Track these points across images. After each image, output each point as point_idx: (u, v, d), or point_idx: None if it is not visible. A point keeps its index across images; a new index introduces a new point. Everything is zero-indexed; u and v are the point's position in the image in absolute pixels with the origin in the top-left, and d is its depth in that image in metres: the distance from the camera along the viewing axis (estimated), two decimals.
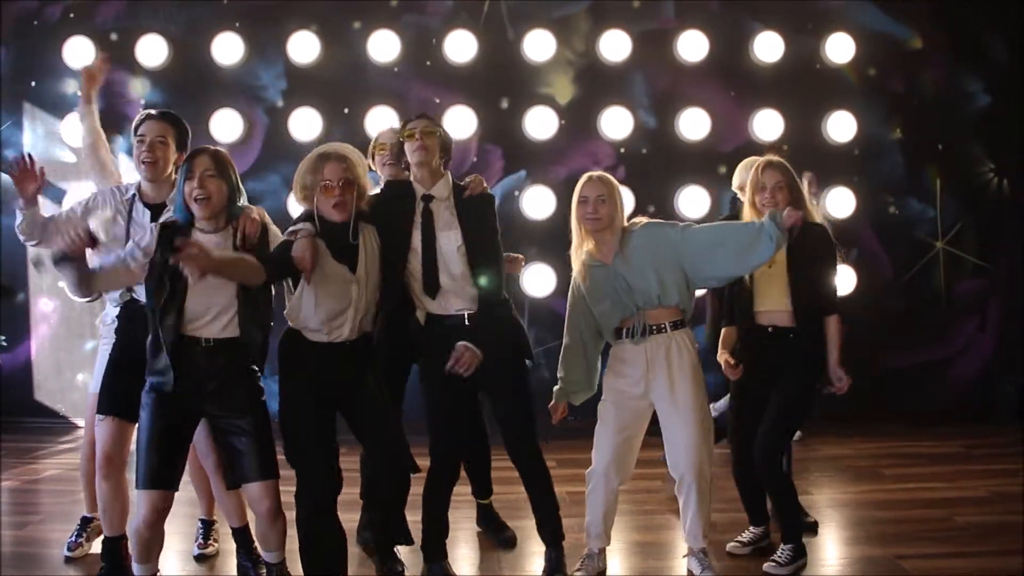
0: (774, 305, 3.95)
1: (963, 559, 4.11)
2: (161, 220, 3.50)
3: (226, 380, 3.35)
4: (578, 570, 3.92)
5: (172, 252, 3.13)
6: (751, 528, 4.24)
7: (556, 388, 3.90)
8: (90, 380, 4.24)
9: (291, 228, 3.50)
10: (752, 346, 4.02)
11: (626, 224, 3.85)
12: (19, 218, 3.75)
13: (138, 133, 3.77)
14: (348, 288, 3.48)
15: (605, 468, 3.82)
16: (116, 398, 3.68)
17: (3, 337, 6.74)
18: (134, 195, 3.81)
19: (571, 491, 4.92)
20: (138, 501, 3.34)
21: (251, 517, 3.91)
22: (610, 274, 3.78)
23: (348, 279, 3.49)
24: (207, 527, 4.22)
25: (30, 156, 3.74)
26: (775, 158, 4.06)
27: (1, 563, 4.04)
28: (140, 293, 3.60)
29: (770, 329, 3.96)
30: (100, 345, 4.03)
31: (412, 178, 3.75)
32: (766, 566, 3.92)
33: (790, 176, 3.96)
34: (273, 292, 3.55)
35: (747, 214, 4.02)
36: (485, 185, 3.83)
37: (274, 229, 3.57)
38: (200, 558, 4.13)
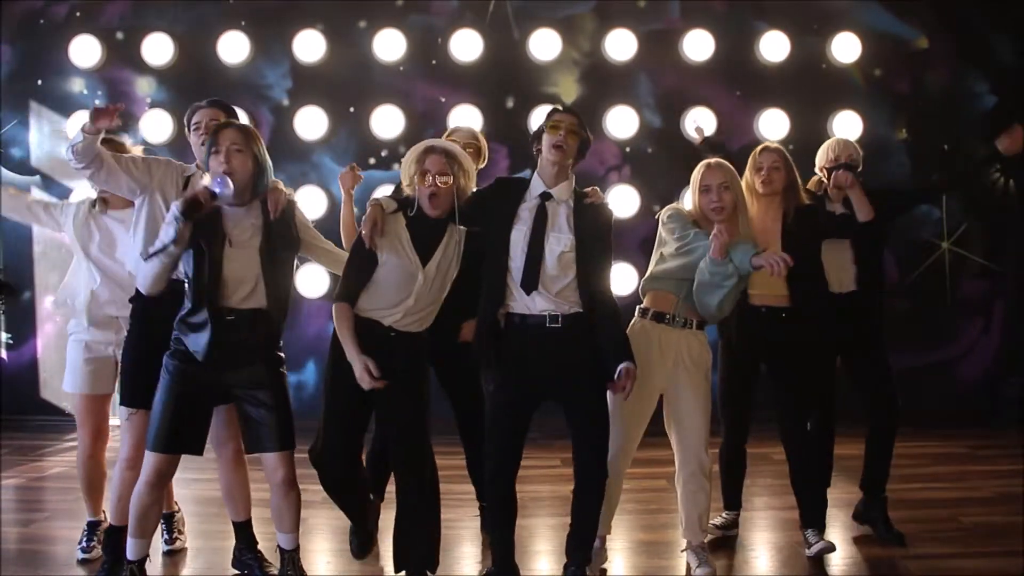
0: (766, 287, 3.97)
1: (968, 559, 4.11)
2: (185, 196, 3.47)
3: (251, 350, 3.41)
4: None
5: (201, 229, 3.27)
6: (724, 512, 4.32)
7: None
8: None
9: (371, 199, 3.60)
10: (744, 327, 4.06)
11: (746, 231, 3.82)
12: (79, 138, 3.59)
13: (193, 122, 3.82)
14: (414, 278, 3.50)
15: (613, 455, 3.76)
16: (143, 390, 3.66)
17: (9, 335, 6.75)
18: (194, 173, 3.82)
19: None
20: (145, 463, 3.39)
21: (253, 516, 3.95)
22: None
23: (415, 269, 3.50)
24: (169, 521, 4.21)
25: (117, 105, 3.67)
26: (773, 143, 4.13)
27: (8, 561, 4.05)
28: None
29: (763, 310, 4.00)
30: (70, 339, 4.06)
31: (537, 171, 3.63)
32: (810, 551, 3.98)
33: (785, 158, 4.03)
34: (295, 265, 3.64)
35: (745, 197, 4.02)
36: (605, 200, 3.72)
37: (300, 210, 3.66)
38: (169, 553, 4.14)
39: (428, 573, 3.64)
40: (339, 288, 3.56)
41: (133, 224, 3.80)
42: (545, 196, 3.56)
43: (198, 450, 3.48)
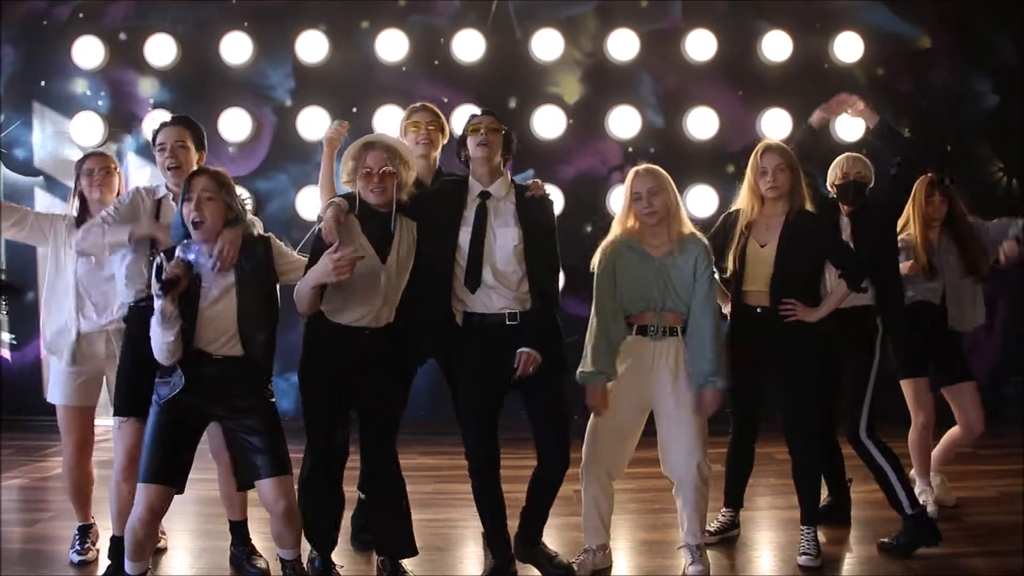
0: (763, 286, 3.97)
1: (972, 559, 4.11)
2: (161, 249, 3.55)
3: (233, 388, 3.42)
4: (572, 562, 3.96)
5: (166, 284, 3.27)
6: (723, 510, 4.34)
7: (586, 373, 3.77)
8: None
9: (328, 201, 3.60)
10: (741, 327, 4.07)
11: (685, 222, 3.86)
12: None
13: (158, 142, 3.84)
14: (377, 276, 3.53)
15: (600, 465, 3.87)
16: (136, 399, 3.68)
17: (12, 336, 6.77)
18: (164, 196, 3.86)
19: (577, 490, 4.91)
20: (137, 496, 3.37)
21: (252, 514, 3.95)
22: (653, 266, 3.79)
23: (377, 268, 3.53)
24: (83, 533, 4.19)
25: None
26: (774, 142, 4.09)
27: (11, 561, 4.06)
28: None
29: (758, 310, 3.99)
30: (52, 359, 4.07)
31: (471, 174, 3.74)
32: (801, 560, 3.99)
33: (789, 157, 3.99)
34: (278, 289, 3.60)
35: (744, 197, 4.06)
36: (545, 189, 3.82)
37: (276, 242, 3.64)
38: (82, 564, 4.08)
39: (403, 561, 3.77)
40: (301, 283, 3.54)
41: (120, 265, 3.83)
42: (484, 195, 3.67)
43: (180, 484, 3.45)
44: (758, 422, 4.23)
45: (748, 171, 4.05)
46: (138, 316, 3.70)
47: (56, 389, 4.05)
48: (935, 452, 4.67)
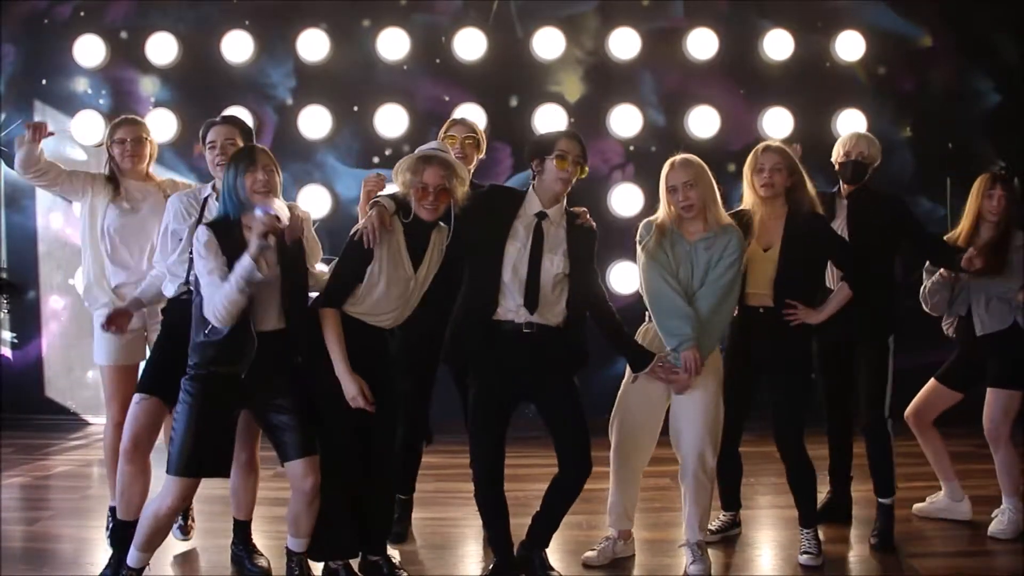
0: (765, 287, 3.97)
1: (974, 559, 4.12)
2: (204, 223, 3.52)
3: (271, 365, 3.42)
4: (591, 550, 4.02)
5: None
6: (722, 514, 4.34)
7: (681, 342, 3.75)
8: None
9: (373, 199, 3.61)
10: (742, 328, 4.07)
11: (722, 212, 3.86)
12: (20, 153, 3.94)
13: (208, 140, 3.87)
14: (406, 284, 3.58)
15: (627, 447, 3.92)
16: (160, 378, 3.71)
17: (14, 334, 6.77)
18: (209, 195, 3.87)
19: (588, 488, 4.92)
20: (168, 487, 3.36)
21: (260, 515, 3.95)
22: (687, 251, 3.81)
23: (408, 275, 3.57)
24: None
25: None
26: (774, 142, 4.09)
27: (13, 559, 4.06)
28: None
29: (761, 311, 3.98)
30: (95, 314, 4.15)
31: (534, 190, 3.69)
32: (802, 559, 3.98)
33: (788, 158, 3.97)
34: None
35: (746, 196, 4.07)
36: (592, 223, 3.80)
37: (310, 226, 3.75)
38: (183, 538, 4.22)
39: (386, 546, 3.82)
40: (328, 289, 3.56)
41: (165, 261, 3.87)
42: (541, 215, 3.64)
43: (225, 472, 3.50)
44: (743, 424, 4.21)
45: (746, 168, 4.05)
46: (179, 308, 3.72)
47: (101, 350, 4.11)
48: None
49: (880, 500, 4.27)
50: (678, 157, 3.86)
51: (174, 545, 4.20)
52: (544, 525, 3.83)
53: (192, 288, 3.56)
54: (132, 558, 3.46)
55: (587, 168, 3.70)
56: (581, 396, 3.73)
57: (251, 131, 4.00)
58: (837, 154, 4.37)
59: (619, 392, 3.99)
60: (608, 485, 4.06)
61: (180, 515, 4.18)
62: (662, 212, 3.88)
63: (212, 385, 3.38)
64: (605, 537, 4.08)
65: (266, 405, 3.47)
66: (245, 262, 3.25)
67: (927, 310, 4.48)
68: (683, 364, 3.74)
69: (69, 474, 5.43)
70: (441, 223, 3.63)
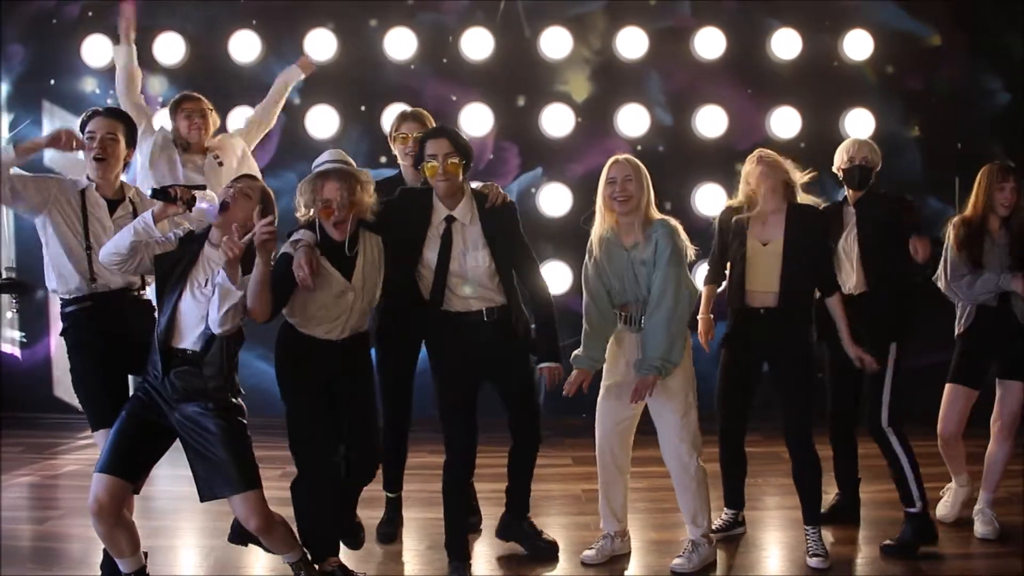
0: (765, 286, 3.99)
1: (980, 560, 4.11)
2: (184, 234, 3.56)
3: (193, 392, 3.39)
4: (589, 549, 4.09)
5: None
6: (725, 511, 4.36)
7: (579, 357, 3.92)
8: None
9: (292, 238, 3.56)
10: (741, 328, 4.10)
11: (654, 212, 3.91)
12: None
13: (87, 130, 3.76)
14: (345, 296, 3.56)
15: (609, 453, 4.02)
16: (111, 408, 3.60)
17: (23, 333, 6.79)
18: (87, 186, 3.78)
19: (586, 488, 4.93)
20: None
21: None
22: (625, 258, 3.86)
23: (345, 288, 3.55)
24: None
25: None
26: (762, 152, 4.13)
27: (22, 559, 4.07)
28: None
29: (761, 311, 4.01)
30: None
31: (435, 192, 3.76)
32: (812, 562, 3.98)
33: (773, 165, 4.05)
34: None
35: (741, 189, 4.15)
36: (503, 192, 3.86)
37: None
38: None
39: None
40: None
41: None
42: (449, 219, 3.73)
43: (135, 478, 3.42)
44: (747, 422, 4.24)
45: (742, 180, 4.16)
46: (76, 318, 3.75)
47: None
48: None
49: (905, 509, 4.18)
50: (621, 155, 3.95)
51: (176, 545, 4.22)
52: (517, 494, 4.07)
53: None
54: (121, 566, 3.46)
55: (469, 158, 3.75)
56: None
57: (135, 127, 3.91)
58: (841, 160, 4.36)
59: (598, 400, 4.07)
60: None
61: None
62: (598, 220, 3.94)
63: (150, 393, 3.43)
64: (603, 535, 4.13)
65: (190, 437, 3.41)
66: (146, 217, 3.38)
67: (959, 296, 4.33)
68: (637, 383, 3.80)
69: (78, 473, 5.44)
70: (363, 241, 3.63)
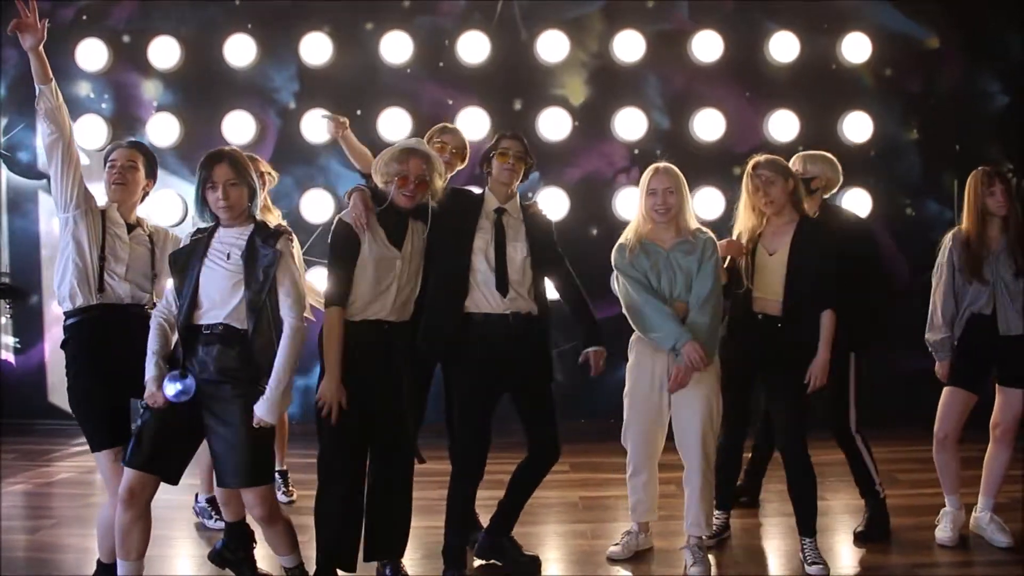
0: (768, 293, 4.02)
1: (981, 568, 4.07)
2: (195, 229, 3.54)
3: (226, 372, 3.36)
4: (615, 545, 4.14)
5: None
6: (716, 512, 4.33)
7: (677, 340, 3.81)
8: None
9: (352, 188, 3.76)
10: (742, 332, 4.11)
11: (691, 220, 3.99)
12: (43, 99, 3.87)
13: (110, 159, 3.87)
14: (393, 263, 3.65)
15: (641, 456, 4.05)
16: (112, 428, 3.61)
17: (16, 339, 6.75)
18: (108, 206, 3.87)
19: (584, 496, 4.91)
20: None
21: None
22: (666, 259, 3.92)
23: (393, 257, 3.65)
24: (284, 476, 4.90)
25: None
26: (764, 157, 4.12)
27: (15, 567, 4.04)
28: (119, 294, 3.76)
29: (760, 317, 4.03)
30: None
31: (489, 188, 3.95)
32: (811, 570, 3.93)
33: (777, 168, 4.03)
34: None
35: (743, 217, 4.14)
36: (542, 209, 4.08)
37: (296, 253, 3.68)
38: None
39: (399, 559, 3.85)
40: (330, 288, 3.63)
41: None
42: (500, 211, 3.91)
43: (174, 478, 3.41)
44: (747, 427, 4.30)
45: (743, 190, 4.12)
46: (77, 333, 3.72)
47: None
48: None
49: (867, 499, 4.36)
50: (661, 164, 4.01)
51: (170, 555, 4.19)
52: (510, 510, 4.00)
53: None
54: (121, 570, 3.42)
55: (532, 163, 4.01)
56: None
57: (155, 160, 3.98)
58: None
59: (624, 396, 4.06)
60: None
61: (282, 482, 4.86)
62: (633, 225, 4.02)
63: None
64: (626, 532, 4.18)
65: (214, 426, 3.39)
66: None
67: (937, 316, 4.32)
68: (686, 360, 3.79)
69: (72, 481, 5.41)
70: (414, 218, 3.75)
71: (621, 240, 4.02)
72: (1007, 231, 4.21)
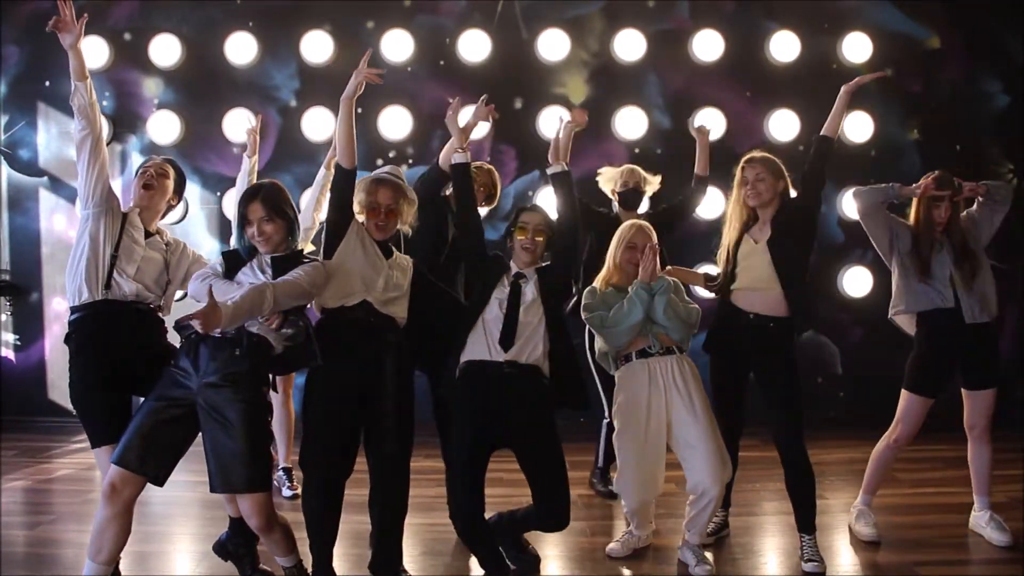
0: (755, 280, 4.03)
1: (980, 566, 4.08)
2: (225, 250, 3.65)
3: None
4: (615, 542, 4.15)
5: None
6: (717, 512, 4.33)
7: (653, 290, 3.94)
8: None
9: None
10: (727, 333, 4.13)
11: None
12: (77, 95, 3.88)
13: (142, 165, 3.99)
14: (378, 268, 3.68)
15: (637, 503, 4.03)
16: (110, 425, 3.58)
17: (16, 336, 6.76)
18: (130, 210, 3.94)
19: (582, 494, 4.90)
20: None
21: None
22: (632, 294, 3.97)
23: (380, 262, 3.70)
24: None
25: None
26: (757, 153, 4.16)
27: (15, 563, 4.04)
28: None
29: (751, 316, 4.04)
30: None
31: (513, 258, 3.97)
32: (807, 567, 3.94)
33: (769, 167, 4.06)
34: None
35: (731, 211, 4.18)
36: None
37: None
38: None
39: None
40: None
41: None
42: (519, 275, 3.92)
43: (160, 480, 3.37)
44: (741, 427, 4.23)
45: (735, 185, 4.15)
46: (81, 328, 3.73)
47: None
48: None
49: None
50: (638, 221, 4.15)
51: (169, 550, 4.19)
52: (513, 527, 3.94)
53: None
54: (86, 570, 3.36)
55: (553, 234, 3.93)
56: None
57: (184, 177, 4.10)
58: (615, 184, 4.99)
59: (614, 439, 4.02)
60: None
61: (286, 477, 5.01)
62: (603, 275, 4.12)
63: (177, 385, 3.39)
64: (627, 531, 4.19)
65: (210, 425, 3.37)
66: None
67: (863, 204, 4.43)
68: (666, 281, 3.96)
69: (71, 477, 5.42)
70: (396, 252, 3.82)
71: (588, 290, 4.09)
72: (952, 243, 4.28)
